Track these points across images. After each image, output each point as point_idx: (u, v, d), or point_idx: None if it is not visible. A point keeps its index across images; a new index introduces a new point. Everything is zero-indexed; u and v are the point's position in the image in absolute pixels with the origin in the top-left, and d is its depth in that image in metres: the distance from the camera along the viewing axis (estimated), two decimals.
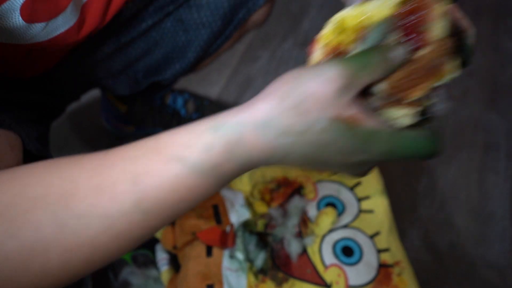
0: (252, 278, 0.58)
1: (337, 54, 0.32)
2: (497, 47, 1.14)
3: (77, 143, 0.92)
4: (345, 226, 0.63)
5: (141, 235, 0.29)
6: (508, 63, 1.10)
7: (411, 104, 0.31)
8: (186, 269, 0.63)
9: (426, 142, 0.30)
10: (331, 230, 0.62)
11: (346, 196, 0.69)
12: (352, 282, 0.58)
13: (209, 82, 1.01)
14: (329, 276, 0.58)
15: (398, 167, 0.88)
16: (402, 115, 0.31)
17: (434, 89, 0.31)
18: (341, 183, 0.68)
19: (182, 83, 0.90)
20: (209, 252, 0.62)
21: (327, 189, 0.68)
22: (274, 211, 0.67)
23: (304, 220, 0.64)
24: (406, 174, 0.89)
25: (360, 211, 0.65)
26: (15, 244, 0.26)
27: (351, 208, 0.65)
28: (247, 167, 0.29)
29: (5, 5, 0.39)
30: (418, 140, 0.30)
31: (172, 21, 0.61)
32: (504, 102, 1.03)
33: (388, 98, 0.31)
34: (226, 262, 0.59)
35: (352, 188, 0.70)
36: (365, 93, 0.31)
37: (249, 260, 0.59)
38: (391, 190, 0.71)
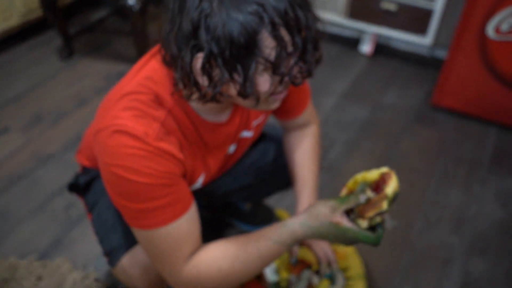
0: None
1: (350, 192, 0.78)
2: (467, 189, 1.59)
3: None
4: None
5: (261, 268, 0.78)
6: (473, 203, 1.54)
7: (369, 219, 0.74)
8: None
9: (372, 239, 0.75)
10: None
11: (338, 274, 1.12)
12: None
13: None
14: None
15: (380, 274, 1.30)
16: (364, 224, 0.75)
17: (380, 214, 0.74)
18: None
19: None
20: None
21: (326, 268, 1.12)
22: (293, 277, 1.11)
23: (311, 284, 1.07)
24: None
25: (345, 285, 1.08)
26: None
27: (339, 282, 1.09)
28: (296, 242, 0.77)
29: (193, 186, 0.87)
30: (369, 237, 0.75)
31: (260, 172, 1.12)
32: (466, 230, 1.44)
33: (357, 215, 0.75)
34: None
35: (343, 270, 1.14)
36: (347, 212, 0.76)
37: None
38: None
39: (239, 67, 0.61)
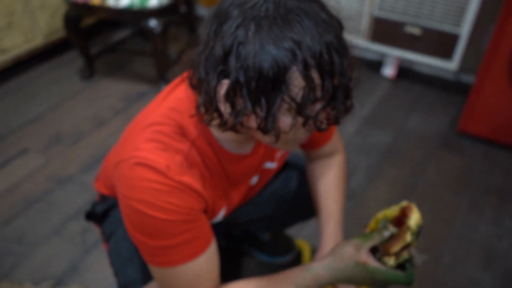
0: None
1: (373, 229, 0.75)
2: (498, 222, 1.51)
3: None
4: None
5: None
6: (504, 236, 1.46)
7: (395, 255, 0.71)
8: None
9: (403, 277, 0.71)
10: None
11: None
12: None
13: None
14: None
15: None
16: (391, 261, 0.71)
17: (405, 247, 0.70)
18: None
19: None
20: None
21: None
22: None
23: None
24: None
25: None
26: None
27: None
28: (321, 286, 0.73)
29: (214, 219, 0.85)
30: (399, 276, 0.71)
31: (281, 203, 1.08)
32: (497, 265, 1.37)
33: (382, 253, 0.72)
34: None
35: None
36: (373, 250, 0.72)
37: None
38: None
39: (263, 101, 0.57)
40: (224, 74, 0.58)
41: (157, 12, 1.92)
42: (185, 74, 0.74)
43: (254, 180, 0.89)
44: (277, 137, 0.62)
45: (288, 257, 1.32)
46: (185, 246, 0.68)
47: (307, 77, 0.56)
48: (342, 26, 0.60)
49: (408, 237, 0.68)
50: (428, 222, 1.51)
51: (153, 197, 0.65)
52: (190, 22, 2.40)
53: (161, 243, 0.67)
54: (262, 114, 0.59)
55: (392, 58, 2.19)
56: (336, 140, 1.00)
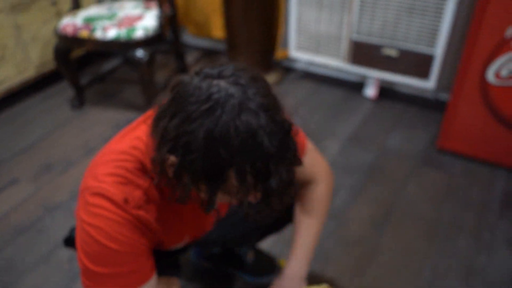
0: None
1: None
2: (476, 236, 1.54)
3: None
4: None
5: None
6: (483, 250, 1.49)
7: None
8: None
9: None
10: None
11: None
12: None
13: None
14: None
15: None
16: None
17: None
18: None
19: None
20: None
21: None
22: None
23: None
24: None
25: None
26: None
27: None
28: None
29: (178, 244, 0.90)
30: None
31: (242, 223, 1.11)
32: (476, 280, 1.40)
33: None
34: None
35: None
36: None
37: None
38: None
39: (204, 187, 0.64)
40: (173, 153, 0.63)
41: (143, 43, 1.99)
42: (148, 113, 0.79)
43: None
44: (218, 211, 0.71)
45: (272, 276, 1.35)
46: (122, 278, 0.73)
47: (241, 180, 0.61)
48: (288, 131, 0.63)
49: None
50: (410, 239, 1.54)
51: (106, 226, 0.70)
52: (177, 49, 2.48)
53: (101, 270, 0.71)
54: (203, 195, 0.66)
55: (372, 79, 2.26)
56: (309, 169, 1.01)
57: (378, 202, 1.69)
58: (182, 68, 2.56)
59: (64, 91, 2.42)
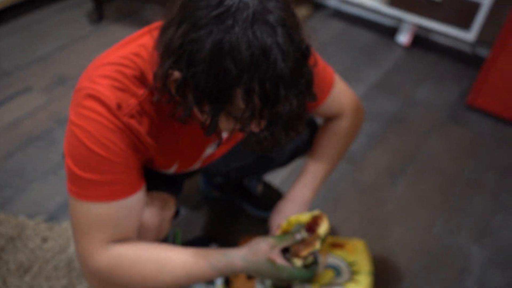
0: None
1: (285, 232, 0.82)
2: (494, 197, 1.49)
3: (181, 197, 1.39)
4: (338, 284, 1.00)
5: (185, 284, 0.74)
6: (499, 212, 1.44)
7: (303, 258, 0.78)
8: (233, 287, 1.03)
9: (305, 274, 0.78)
10: (329, 284, 1.00)
11: (344, 267, 1.07)
12: None
13: (276, 174, 1.46)
14: None
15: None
16: (298, 262, 0.78)
17: (312, 253, 0.79)
18: (343, 259, 1.07)
19: None
20: (248, 278, 1.03)
21: (333, 259, 1.07)
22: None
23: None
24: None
25: (351, 279, 1.03)
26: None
27: (345, 275, 1.03)
28: (233, 273, 0.75)
29: (166, 171, 0.85)
30: (302, 273, 0.78)
31: (254, 158, 1.07)
32: (487, 240, 1.36)
33: (292, 254, 0.78)
34: (258, 285, 0.99)
35: (349, 264, 1.08)
36: (284, 251, 0.78)
37: (274, 284, 0.98)
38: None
39: (207, 106, 0.59)
40: (177, 67, 0.58)
41: None
42: (154, 25, 0.71)
43: (210, 150, 0.89)
44: (218, 134, 0.66)
45: None
46: (106, 186, 0.68)
47: (247, 101, 0.55)
48: (306, 55, 0.58)
49: (317, 245, 0.78)
50: (425, 191, 1.50)
51: (95, 130, 0.65)
52: None
53: (86, 175, 0.67)
54: (205, 116, 0.60)
55: (409, 24, 2.11)
56: (337, 101, 0.95)
57: (397, 152, 1.63)
58: None
59: (83, 3, 2.31)
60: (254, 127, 0.62)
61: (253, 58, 0.53)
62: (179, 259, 0.73)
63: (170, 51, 0.58)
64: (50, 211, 1.33)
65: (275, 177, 1.45)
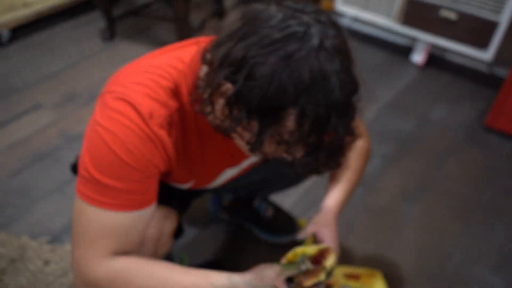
0: None
1: (290, 261, 0.77)
2: None
3: (188, 218, 1.35)
4: None
5: None
6: None
7: None
8: None
9: None
10: None
11: None
12: None
13: (286, 196, 1.41)
14: None
15: None
16: None
17: (317, 285, 0.74)
18: None
19: None
20: None
21: None
22: None
23: None
24: None
25: None
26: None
27: None
28: None
29: (179, 185, 0.82)
30: None
31: (268, 171, 1.02)
32: (510, 270, 1.29)
33: (296, 284, 0.73)
34: None
35: None
36: (288, 281, 0.73)
37: None
38: None
39: (256, 124, 0.58)
40: (232, 79, 0.57)
41: None
42: (201, 39, 0.72)
43: (230, 173, 0.87)
44: (261, 156, 0.63)
45: (290, 237, 1.27)
46: (124, 195, 0.65)
47: (298, 124, 0.56)
48: (357, 88, 0.60)
49: (322, 276, 0.74)
50: (444, 217, 1.43)
51: (123, 134, 0.62)
52: None
53: (105, 180, 0.63)
54: (252, 134, 0.59)
55: (423, 43, 2.07)
56: (357, 123, 0.92)
57: (412, 175, 1.57)
58: (220, 11, 2.41)
59: (95, 21, 2.33)
60: (291, 154, 0.62)
61: (313, 82, 0.54)
62: (180, 278, 0.68)
63: (228, 63, 0.57)
64: (54, 232, 1.29)
65: (285, 201, 1.41)
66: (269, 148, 0.61)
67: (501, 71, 2.04)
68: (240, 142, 0.65)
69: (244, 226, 1.33)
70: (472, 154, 1.68)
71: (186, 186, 0.83)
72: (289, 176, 1.05)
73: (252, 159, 0.89)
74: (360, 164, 0.95)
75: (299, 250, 0.78)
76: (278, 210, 1.31)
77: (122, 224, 0.66)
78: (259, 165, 0.99)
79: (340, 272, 1.09)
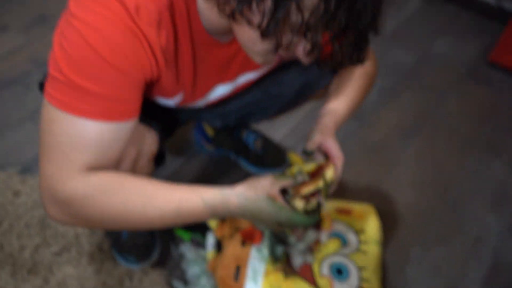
0: (269, 267, 0.85)
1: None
2: None
3: (171, 151, 1.25)
4: (344, 255, 0.88)
5: (172, 223, 0.61)
6: None
7: (305, 200, 0.64)
8: (225, 252, 0.91)
9: (305, 220, 0.64)
10: (333, 254, 0.88)
11: (351, 236, 0.94)
12: None
13: (277, 128, 1.32)
14: (321, 283, 0.84)
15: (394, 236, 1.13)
16: (299, 204, 0.64)
17: (315, 193, 0.65)
18: (349, 226, 0.95)
19: (256, 125, 1.21)
20: (243, 244, 0.90)
21: (339, 227, 0.94)
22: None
23: (317, 242, 0.90)
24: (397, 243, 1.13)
25: (358, 249, 0.91)
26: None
27: (352, 245, 0.91)
28: (227, 213, 0.62)
29: (165, 100, 0.72)
30: (302, 218, 0.64)
31: (262, 91, 0.92)
32: (506, 208, 1.24)
33: (292, 195, 0.65)
34: (253, 253, 0.86)
35: (357, 232, 0.96)
36: (284, 193, 0.65)
37: (272, 254, 0.86)
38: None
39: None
40: None
41: None
42: None
43: (222, 89, 0.78)
44: (274, 47, 0.54)
45: (278, 170, 1.19)
46: (104, 101, 0.55)
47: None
48: None
49: (320, 183, 0.67)
50: (440, 154, 1.36)
51: (104, 27, 0.52)
52: None
53: (80, 82, 0.53)
54: (265, 13, 0.49)
55: None
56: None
57: (411, 110, 1.48)
58: None
59: None
60: (300, 50, 0.55)
61: None
62: (168, 194, 0.60)
63: None
64: (24, 162, 1.20)
65: (275, 134, 1.31)
66: (286, 37, 0.52)
67: (509, 5, 1.90)
68: (246, 34, 0.55)
69: (231, 159, 1.24)
70: (474, 90, 1.58)
71: (173, 101, 0.73)
72: (284, 98, 0.94)
73: (248, 76, 0.79)
74: (364, 84, 0.84)
75: (295, 167, 0.70)
76: (267, 142, 1.22)
77: (101, 136, 0.57)
78: (253, 85, 0.89)
79: (332, 206, 1.02)
